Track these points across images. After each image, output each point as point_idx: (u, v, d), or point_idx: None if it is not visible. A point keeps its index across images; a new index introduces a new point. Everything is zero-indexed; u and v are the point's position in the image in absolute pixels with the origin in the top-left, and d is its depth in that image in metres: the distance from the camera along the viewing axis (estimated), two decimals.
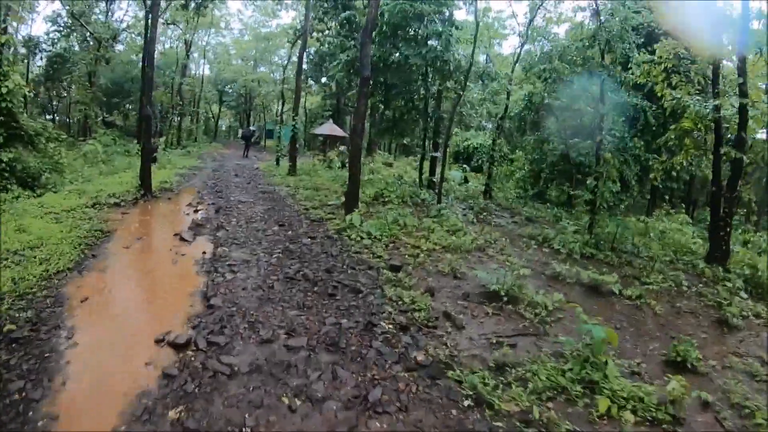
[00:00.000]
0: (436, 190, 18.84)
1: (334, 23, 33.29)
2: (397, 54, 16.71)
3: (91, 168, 17.59)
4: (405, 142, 27.73)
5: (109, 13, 30.87)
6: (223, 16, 44.16)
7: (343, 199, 11.84)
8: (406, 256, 8.84)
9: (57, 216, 9.82)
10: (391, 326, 5.78)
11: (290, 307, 6.02)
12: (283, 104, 27.66)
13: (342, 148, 29.79)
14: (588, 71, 14.31)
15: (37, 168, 13.38)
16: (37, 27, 65.48)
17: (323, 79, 40.11)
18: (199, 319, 5.51)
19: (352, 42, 17.95)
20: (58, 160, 14.64)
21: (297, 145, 21.55)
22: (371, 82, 16.99)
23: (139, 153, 21.37)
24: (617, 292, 7.84)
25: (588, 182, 12.64)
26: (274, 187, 16.60)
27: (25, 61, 32.94)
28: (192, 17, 30.51)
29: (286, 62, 29.67)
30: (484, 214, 14.85)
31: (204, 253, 8.08)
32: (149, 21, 12.79)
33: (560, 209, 17.40)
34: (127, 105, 29.05)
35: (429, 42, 17.07)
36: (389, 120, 19.67)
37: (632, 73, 14.38)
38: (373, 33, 17.95)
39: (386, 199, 14.43)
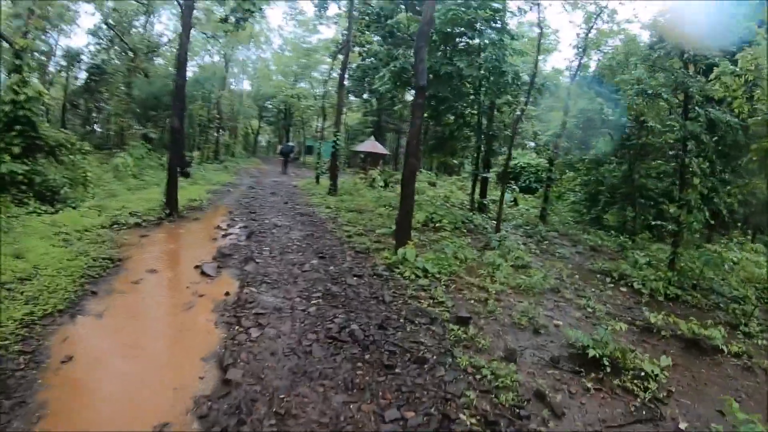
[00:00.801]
0: (488, 214, 17.15)
1: (376, 38, 32.33)
2: (449, 65, 15.08)
3: (121, 182, 16.53)
4: (453, 161, 26.02)
5: (148, 26, 30.51)
6: (262, 31, 43.78)
7: (392, 227, 10.13)
8: (473, 302, 7.16)
9: (67, 237, 8.55)
10: (473, 420, 4.09)
11: (334, 388, 4.35)
12: (323, 120, 26.43)
13: (382, 167, 28.40)
14: (667, 84, 12.34)
15: (57, 181, 12.23)
16: (80, 40, 65.91)
17: (365, 95, 38.99)
18: (208, 404, 3.92)
19: (400, 50, 16.44)
20: (82, 173, 13.53)
21: (338, 163, 20.09)
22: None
23: (178, 169, 20.59)
24: (724, 350, 6.43)
25: (672, 211, 10.86)
26: (314, 208, 15.08)
27: (65, 72, 33.02)
28: (231, 30, 29.70)
29: (327, 77, 28.33)
30: (545, 243, 12.97)
31: (227, 294, 6.51)
32: (182, 25, 11.47)
33: (624, 237, 15.30)
34: (166, 118, 28.35)
35: (483, 53, 15.40)
36: (438, 137, 17.99)
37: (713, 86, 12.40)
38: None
39: (437, 225, 12.70)
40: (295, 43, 48.48)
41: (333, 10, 32.49)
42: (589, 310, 7.66)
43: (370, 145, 32.67)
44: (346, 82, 39.00)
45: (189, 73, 42.58)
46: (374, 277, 7.83)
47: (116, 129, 23.92)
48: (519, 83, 15.82)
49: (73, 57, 32.00)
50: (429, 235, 11.50)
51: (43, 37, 34.88)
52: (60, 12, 31.70)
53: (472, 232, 13.13)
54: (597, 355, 5.29)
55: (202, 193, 16.01)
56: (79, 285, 6.41)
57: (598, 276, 9.98)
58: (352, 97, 41.07)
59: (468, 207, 18.25)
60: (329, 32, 60.76)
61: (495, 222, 14.54)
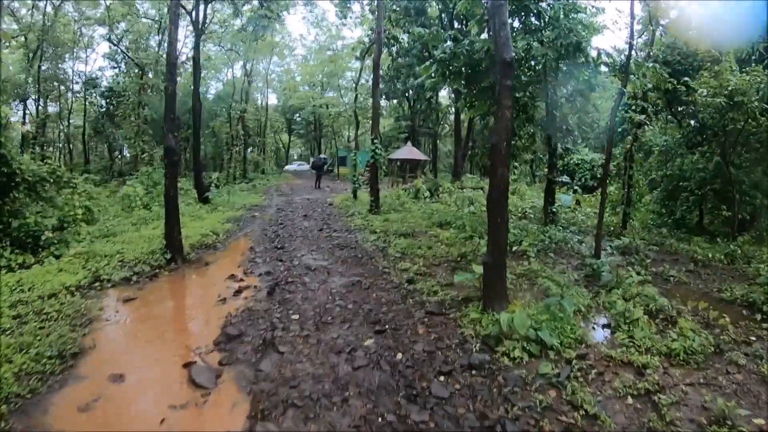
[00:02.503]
0: (561, 225, 14.01)
1: (404, 37, 29.49)
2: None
3: (127, 214, 14.09)
4: (515, 164, 22.72)
5: (164, 44, 28.50)
6: (283, 40, 41.81)
7: (475, 270, 6.98)
8: (629, 402, 4.25)
9: (23, 311, 6.01)
10: None
11: None
12: (357, 126, 23.71)
13: (421, 174, 25.33)
14: None
15: (39, 224, 9.77)
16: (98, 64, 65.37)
17: (394, 101, 36.23)
18: None
19: (451, 33, 13.35)
20: (70, 211, 11.05)
21: (378, 175, 17.19)
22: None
23: (193, 193, 17.97)
24: None
25: None
26: (355, 234, 12.16)
27: (84, 99, 31.48)
28: (250, 40, 27.51)
29: (356, 81, 25.60)
30: (648, 260, 9.64)
31: None
32: (170, 17, 8.86)
33: (727, 243, 11.76)
34: (188, 139, 26.15)
35: (549, 29, 12.21)
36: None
37: None
38: (474, 20, 13.54)
39: (518, 250, 9.59)
40: (318, 50, 46.45)
41: (356, 9, 29.97)
42: None
43: (408, 152, 29.77)
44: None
45: (212, 90, 41.16)
46: (471, 371, 4.75)
47: (131, 153, 21.64)
48: (598, 62, 12.54)
49: (87, 82, 30.42)
50: (512, 266, 8.39)
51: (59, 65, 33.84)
52: (72, 38, 30.25)
53: (560, 254, 9.96)
54: None
55: (220, 224, 13.31)
56: None
57: (743, 312, 6.73)
58: (383, 101, 38.39)
59: (539, 217, 15.15)
60: (353, 35, 58.74)
61: (579, 237, 11.44)
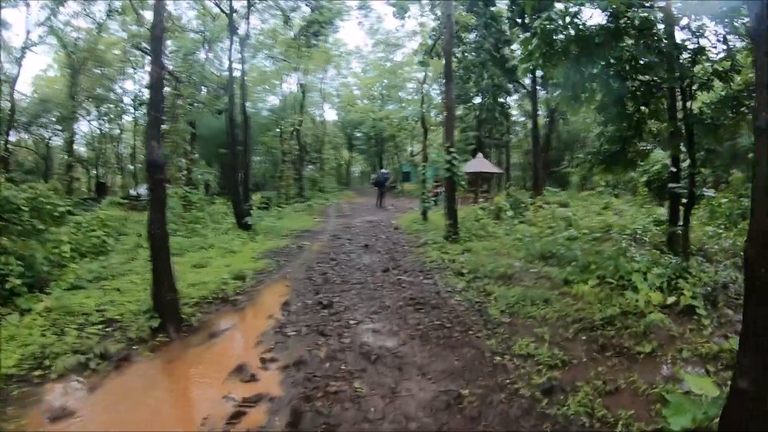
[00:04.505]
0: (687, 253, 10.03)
1: (473, 36, 26.13)
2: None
3: (146, 244, 11.39)
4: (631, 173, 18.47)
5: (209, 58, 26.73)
6: (338, 52, 39.50)
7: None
8: None
9: None
10: None
11: None
12: (425, 134, 20.37)
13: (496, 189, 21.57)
14: None
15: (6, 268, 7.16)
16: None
17: (459, 110, 32.84)
18: None
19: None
20: (55, 248, 8.37)
21: (456, 194, 13.79)
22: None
23: (231, 218, 15.05)
24: None
25: None
26: (434, 277, 8.65)
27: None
28: (304, 48, 25.00)
29: (423, 78, 22.35)
30: None
31: None
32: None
33: None
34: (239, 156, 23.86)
35: None
36: (614, 139, 10.99)
37: None
38: None
39: (674, 302, 5.91)
40: (377, 63, 43.94)
41: (414, 11, 26.82)
42: None
43: (479, 164, 26.15)
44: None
45: (268, 105, 39.30)
46: None
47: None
48: None
49: (134, 99, 29.04)
50: (680, 332, 4.70)
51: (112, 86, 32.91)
52: (120, 56, 29.02)
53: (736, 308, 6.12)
54: None
55: (253, 260, 10.24)
56: None
57: None
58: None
59: (659, 242, 11.27)
60: (412, 44, 56.00)
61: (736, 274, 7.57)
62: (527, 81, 25.55)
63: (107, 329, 6.00)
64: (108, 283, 8.22)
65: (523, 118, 39.13)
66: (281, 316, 6.64)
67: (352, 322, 6.15)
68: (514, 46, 24.80)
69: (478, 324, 5.92)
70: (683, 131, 9.63)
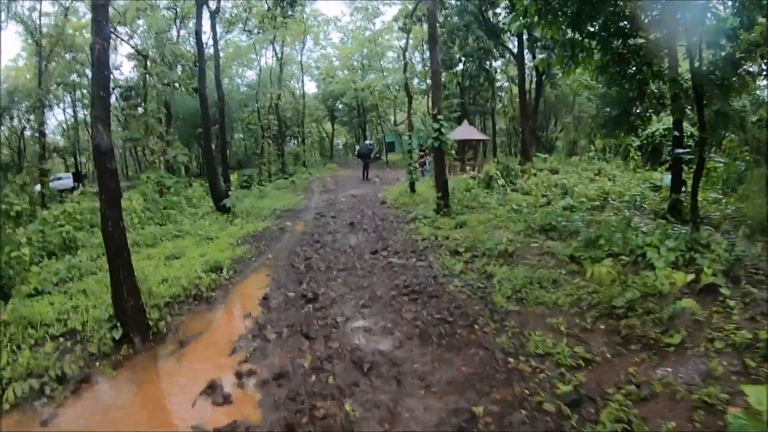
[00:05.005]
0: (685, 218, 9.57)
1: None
2: None
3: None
4: (633, 138, 17.62)
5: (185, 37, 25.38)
6: (319, 24, 38.17)
7: None
8: None
9: None
10: None
11: None
12: (409, 102, 19.44)
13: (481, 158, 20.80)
14: None
15: None
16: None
17: (443, 77, 31.79)
18: None
19: None
20: (12, 251, 7.52)
21: (445, 160, 13.09)
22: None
23: (208, 201, 14.08)
24: None
25: None
26: (428, 258, 7.94)
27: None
28: (278, 21, 23.74)
29: (405, 45, 21.28)
30: None
31: None
32: None
33: None
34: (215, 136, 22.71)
35: None
36: (615, 101, 10.32)
37: None
38: None
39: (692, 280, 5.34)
40: (356, 32, 42.61)
41: None
42: None
43: (466, 131, 25.23)
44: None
45: (245, 80, 37.89)
46: None
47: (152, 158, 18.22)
48: None
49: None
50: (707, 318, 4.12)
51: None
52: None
53: (758, 284, 5.55)
54: None
55: (231, 248, 9.45)
56: None
57: None
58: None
59: (658, 210, 10.79)
60: (390, 13, 54.40)
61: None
62: (513, 45, 24.63)
63: (68, 342, 5.28)
64: (74, 285, 7.46)
65: (507, 83, 38.21)
66: (260, 314, 5.91)
67: (339, 319, 5.43)
68: (499, 10, 23.75)
69: (483, 315, 5.25)
70: (689, 93, 8.97)
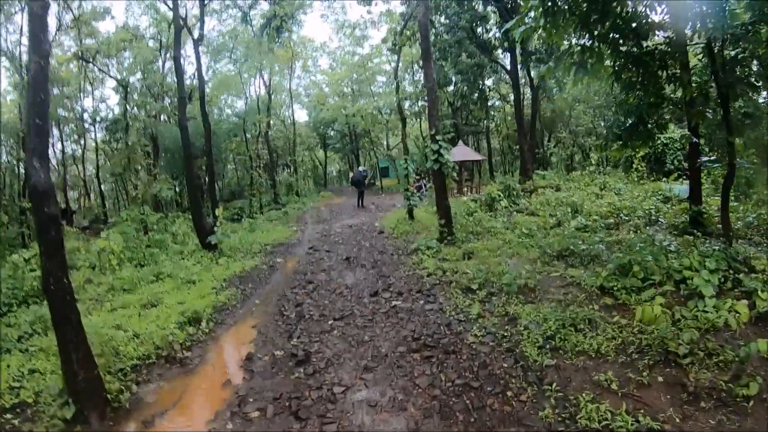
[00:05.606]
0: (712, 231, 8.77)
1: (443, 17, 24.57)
2: None
3: (101, 277, 9.70)
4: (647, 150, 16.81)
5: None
6: (307, 49, 37.83)
7: None
8: None
9: None
10: None
11: None
12: (404, 124, 18.62)
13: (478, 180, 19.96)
14: None
15: None
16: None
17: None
18: None
19: None
20: None
21: (447, 186, 12.20)
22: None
23: (193, 238, 12.98)
24: None
25: None
26: (437, 298, 6.95)
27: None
28: (266, 44, 23.22)
29: (395, 66, 20.60)
30: None
31: None
32: None
33: None
34: (202, 166, 21.83)
35: None
36: (632, 109, 9.59)
37: None
38: None
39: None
40: (345, 58, 42.26)
41: None
42: None
43: (462, 152, 24.63)
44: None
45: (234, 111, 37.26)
46: None
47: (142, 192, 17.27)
48: None
49: (92, 116, 26.67)
50: None
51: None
52: (77, 73, 26.78)
53: None
54: None
55: (214, 292, 8.40)
56: None
57: None
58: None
59: (678, 224, 10.34)
60: (380, 34, 54.49)
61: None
62: (506, 61, 24.14)
63: (17, 419, 4.31)
64: (38, 340, 6.44)
65: (498, 102, 37.74)
66: (242, 380, 4.88)
67: (337, 389, 4.38)
68: (489, 25, 23.29)
69: (515, 376, 4.26)
70: (713, 94, 8.19)
